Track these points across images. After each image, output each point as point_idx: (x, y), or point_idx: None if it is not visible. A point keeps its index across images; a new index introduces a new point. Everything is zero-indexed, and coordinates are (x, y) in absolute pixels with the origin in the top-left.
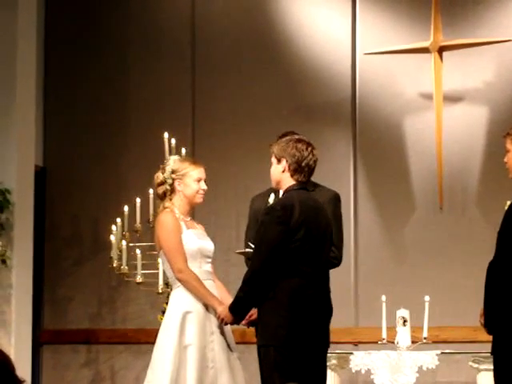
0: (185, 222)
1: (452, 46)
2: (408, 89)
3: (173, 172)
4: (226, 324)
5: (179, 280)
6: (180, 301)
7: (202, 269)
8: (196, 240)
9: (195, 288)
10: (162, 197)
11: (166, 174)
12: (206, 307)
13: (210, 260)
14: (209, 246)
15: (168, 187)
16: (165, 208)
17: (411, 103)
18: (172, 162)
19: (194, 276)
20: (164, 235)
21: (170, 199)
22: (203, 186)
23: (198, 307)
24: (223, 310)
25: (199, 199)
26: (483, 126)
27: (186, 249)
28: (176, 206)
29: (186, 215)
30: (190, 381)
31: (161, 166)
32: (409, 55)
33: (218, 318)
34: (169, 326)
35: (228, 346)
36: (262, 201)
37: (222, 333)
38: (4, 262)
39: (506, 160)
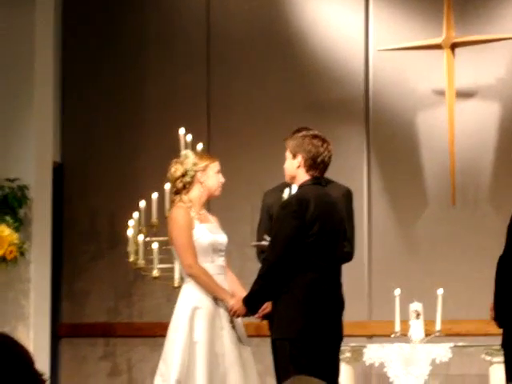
0: (198, 216)
1: (464, 42)
2: (421, 85)
3: (195, 164)
4: (238, 316)
5: (189, 275)
6: (189, 296)
7: (214, 263)
8: (208, 234)
9: (205, 282)
10: (180, 190)
11: (187, 166)
12: (216, 302)
13: (222, 253)
14: (221, 239)
15: (189, 179)
16: (181, 201)
17: (424, 99)
18: (191, 155)
19: (204, 271)
20: (175, 231)
21: (188, 191)
22: (222, 178)
23: (207, 303)
24: (236, 302)
25: (218, 191)
26: (495, 121)
27: (198, 243)
28: (193, 198)
29: (202, 207)
30: (200, 376)
31: (175, 160)
32: (421, 51)
33: (231, 310)
34: (178, 321)
35: (239, 340)
36: (274, 195)
37: (233, 327)
38: (22, 254)
39: None
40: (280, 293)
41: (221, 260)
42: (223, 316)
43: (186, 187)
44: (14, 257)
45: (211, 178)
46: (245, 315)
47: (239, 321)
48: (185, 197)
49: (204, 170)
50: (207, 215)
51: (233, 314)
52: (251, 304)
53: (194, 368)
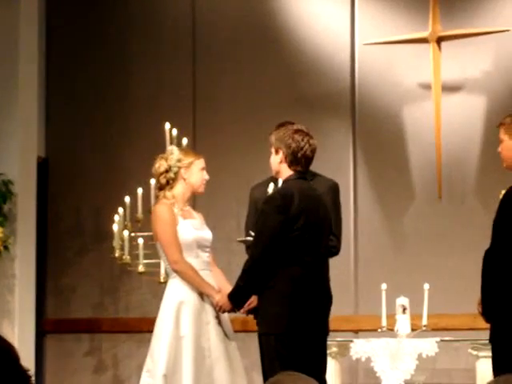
0: (182, 212)
1: (450, 36)
2: (407, 79)
3: (179, 161)
4: (224, 312)
5: (174, 271)
6: (175, 291)
7: (198, 259)
8: (192, 230)
9: (191, 278)
10: (164, 186)
11: (171, 162)
12: (201, 297)
13: (207, 249)
14: (206, 235)
15: (172, 175)
16: (164, 198)
17: (410, 93)
18: (176, 151)
19: (189, 266)
20: (159, 227)
21: (171, 187)
22: (206, 175)
23: (192, 297)
24: (221, 297)
25: (202, 188)
26: (482, 115)
27: (182, 240)
28: (177, 194)
29: (185, 203)
30: (187, 371)
31: (160, 156)
32: (407, 45)
33: (216, 305)
34: (164, 317)
35: (225, 335)
36: (261, 190)
37: (219, 322)
38: (6, 247)
39: (499, 150)
40: (265, 288)
41: (205, 256)
42: (209, 311)
43: (170, 183)
44: None
45: (195, 174)
46: (230, 310)
47: (225, 316)
48: (168, 193)
49: (188, 166)
50: (191, 211)
51: (219, 309)
52: (236, 299)
53: (180, 362)
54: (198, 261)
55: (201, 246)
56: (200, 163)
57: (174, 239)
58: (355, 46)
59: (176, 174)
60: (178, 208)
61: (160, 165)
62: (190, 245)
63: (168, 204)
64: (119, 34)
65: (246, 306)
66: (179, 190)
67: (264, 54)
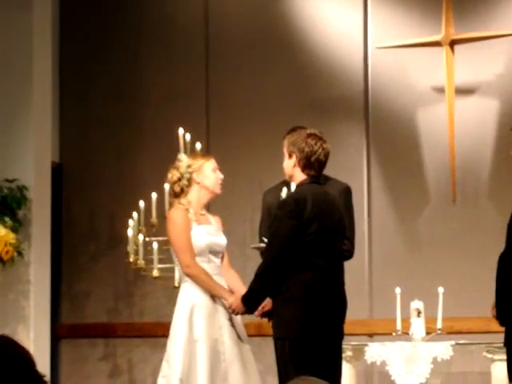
0: (197, 217)
1: (463, 39)
2: (420, 82)
3: (189, 166)
4: (237, 314)
5: (187, 275)
6: (188, 295)
7: (211, 264)
8: (205, 236)
9: (204, 282)
10: (179, 194)
11: (182, 170)
12: (214, 300)
13: (220, 255)
14: (220, 241)
15: (186, 182)
16: (179, 203)
17: (423, 96)
18: (184, 158)
19: (202, 270)
20: (173, 232)
21: (186, 194)
22: (220, 174)
23: (205, 301)
24: (235, 300)
25: (218, 188)
26: (495, 118)
27: (195, 245)
28: (192, 199)
29: (202, 208)
30: (201, 374)
31: (171, 166)
32: (420, 49)
33: (230, 308)
34: (178, 320)
35: (239, 337)
36: (274, 194)
37: (232, 325)
38: (20, 253)
39: (511, 153)
40: (278, 292)
41: (218, 261)
42: (222, 313)
43: (184, 190)
44: (10, 257)
45: (208, 176)
46: (244, 313)
47: (238, 319)
48: (183, 200)
49: (199, 169)
50: (208, 217)
51: (232, 312)
52: (249, 302)
53: (195, 366)
54: (211, 266)
55: (213, 251)
56: (210, 164)
57: (186, 244)
58: (368, 49)
59: (189, 180)
60: (193, 213)
61: (172, 174)
62: (203, 250)
63: (182, 209)
64: (132, 39)
65: (261, 310)
66: (194, 195)
67: (277, 57)
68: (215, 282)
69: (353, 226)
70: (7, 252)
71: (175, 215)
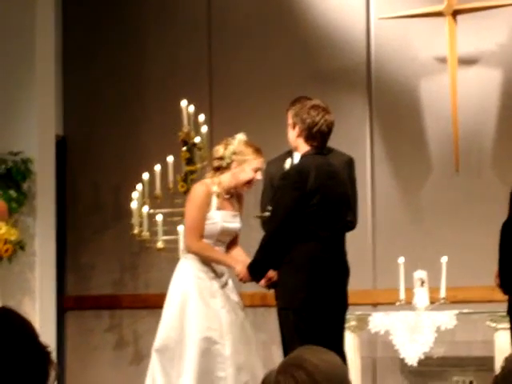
0: (221, 201)
1: (466, 9)
2: (423, 52)
3: (234, 153)
4: (245, 282)
5: (192, 253)
6: (187, 269)
7: (215, 247)
8: (219, 223)
9: (208, 257)
10: (215, 169)
11: (226, 152)
12: (211, 279)
13: (228, 239)
14: (233, 227)
15: (224, 164)
16: (211, 178)
17: (426, 67)
18: (237, 142)
19: (204, 246)
20: (190, 206)
21: (221, 173)
22: (259, 176)
23: (203, 278)
24: (242, 268)
25: (247, 188)
26: (498, 87)
27: (207, 228)
28: (223, 182)
29: (227, 193)
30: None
31: (225, 139)
32: (423, 19)
33: (237, 276)
34: (174, 293)
35: (237, 305)
36: (276, 165)
37: (231, 302)
38: (22, 247)
39: None
40: (283, 263)
41: (223, 246)
42: (218, 293)
43: (220, 169)
44: (10, 254)
45: (246, 173)
46: (251, 281)
47: (233, 289)
48: (216, 178)
49: (242, 162)
50: (229, 202)
51: (240, 280)
52: (254, 272)
53: (183, 340)
54: (216, 249)
55: (222, 235)
56: (255, 163)
57: (196, 223)
58: (370, 20)
59: (228, 164)
60: (218, 196)
61: (218, 149)
62: (213, 235)
63: (208, 186)
64: (135, 13)
65: (268, 280)
66: (226, 179)
67: (279, 29)
68: (220, 254)
69: (355, 197)
70: (6, 250)
71: (198, 190)
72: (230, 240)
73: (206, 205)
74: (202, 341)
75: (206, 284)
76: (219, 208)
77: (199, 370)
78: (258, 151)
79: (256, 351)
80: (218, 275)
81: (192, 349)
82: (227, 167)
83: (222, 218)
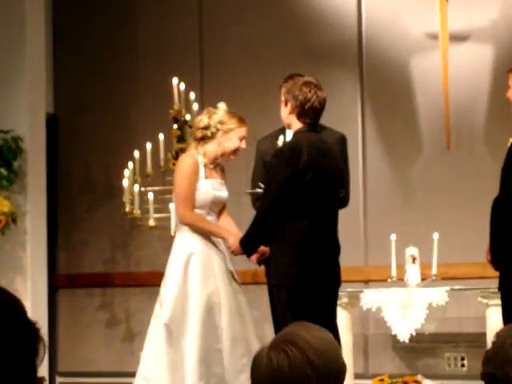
0: (207, 170)
1: None
2: (414, 29)
3: (220, 122)
4: (236, 255)
5: (184, 224)
6: (183, 244)
7: (208, 217)
8: (210, 191)
9: (201, 228)
10: (198, 139)
11: (212, 121)
12: (209, 248)
13: (219, 208)
14: (223, 195)
15: (209, 134)
16: (195, 149)
17: (417, 43)
18: (222, 111)
19: (197, 217)
20: (178, 177)
21: (205, 144)
22: (244, 145)
23: (200, 251)
24: (234, 241)
25: (233, 156)
26: (489, 64)
27: (199, 198)
28: (208, 152)
29: (212, 163)
30: (194, 324)
31: (207, 109)
32: None
33: (230, 248)
34: (173, 270)
35: (233, 278)
36: (268, 142)
37: (229, 275)
38: (14, 220)
39: (508, 95)
40: (274, 239)
41: (215, 215)
42: (217, 263)
43: (205, 139)
44: (3, 226)
45: (232, 141)
46: (242, 254)
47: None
48: (201, 148)
49: (227, 132)
50: (215, 171)
51: (232, 252)
52: (246, 246)
53: (186, 316)
54: (208, 218)
55: (214, 204)
56: (240, 132)
57: (187, 193)
58: None
59: (213, 134)
60: (204, 165)
61: (201, 119)
62: (204, 204)
63: (194, 156)
64: None
65: (260, 256)
66: (211, 148)
67: (270, 5)
68: (213, 225)
69: (348, 174)
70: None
71: (185, 161)
72: (219, 212)
73: (195, 175)
74: (204, 313)
75: (204, 255)
76: (207, 177)
77: (202, 344)
78: (242, 120)
79: (251, 324)
80: (215, 246)
81: (195, 322)
82: (212, 137)
83: (211, 187)
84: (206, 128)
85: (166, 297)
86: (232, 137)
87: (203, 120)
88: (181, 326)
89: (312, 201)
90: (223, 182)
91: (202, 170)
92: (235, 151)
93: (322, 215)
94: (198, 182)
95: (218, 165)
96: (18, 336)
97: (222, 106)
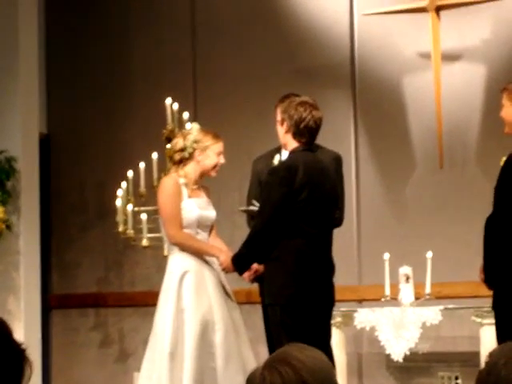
0: (190, 191)
1: (449, 4)
2: (406, 48)
3: (195, 142)
4: (227, 272)
5: (174, 244)
6: (176, 265)
7: (198, 236)
8: (196, 210)
9: (191, 247)
10: (177, 162)
11: (187, 142)
12: (203, 268)
13: (209, 228)
14: (210, 214)
15: (186, 155)
16: (175, 172)
17: (410, 63)
18: (195, 131)
19: (186, 236)
20: (162, 199)
21: (184, 165)
22: (222, 160)
23: (194, 270)
24: (226, 258)
25: (214, 173)
26: (481, 83)
27: (185, 218)
28: (188, 173)
29: (194, 184)
30: (189, 344)
31: (181, 132)
32: (406, 15)
33: (221, 265)
34: (166, 291)
35: (228, 295)
36: (264, 162)
37: (222, 294)
38: (8, 227)
39: (501, 114)
40: (269, 259)
41: (205, 235)
42: (211, 281)
43: (183, 161)
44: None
45: (210, 158)
46: (233, 272)
47: (224, 279)
48: (181, 171)
49: (203, 150)
50: (199, 191)
51: (222, 270)
52: (238, 264)
53: (182, 336)
54: (198, 238)
55: (202, 225)
56: (217, 148)
57: (173, 213)
58: (354, 16)
59: (191, 154)
60: (186, 186)
61: (177, 142)
62: (192, 223)
63: (175, 178)
64: (119, 10)
65: (252, 274)
66: (191, 169)
67: (263, 25)
68: (203, 243)
69: (343, 194)
70: None
71: (166, 183)
72: (209, 233)
73: (177, 195)
74: (199, 332)
75: (198, 274)
76: (190, 196)
77: (196, 365)
78: (216, 136)
79: (246, 341)
80: (208, 263)
81: (190, 342)
82: (190, 157)
83: (197, 205)
84: (183, 150)
85: (163, 324)
86: (209, 153)
87: (179, 142)
88: (178, 345)
89: (307, 220)
90: (210, 201)
91: (184, 190)
92: (214, 167)
93: (317, 234)
94: (181, 202)
95: (203, 187)
96: (3, 357)
97: (194, 125)
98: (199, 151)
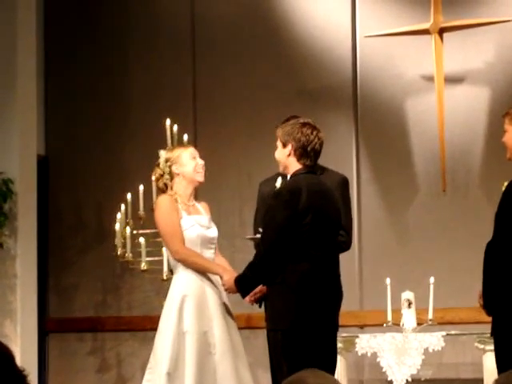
0: (187, 208)
1: (452, 27)
2: (409, 71)
3: (167, 161)
4: (230, 293)
5: (178, 260)
6: (179, 285)
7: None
8: (197, 228)
9: (195, 263)
10: (164, 190)
11: (161, 166)
12: (205, 290)
13: (212, 246)
14: (211, 233)
15: (167, 176)
16: (169, 195)
17: (412, 85)
18: (162, 153)
19: (191, 252)
20: (160, 218)
21: (172, 188)
22: (200, 161)
23: (196, 292)
24: (229, 279)
25: (199, 176)
26: (485, 106)
27: (186, 235)
28: (178, 190)
29: (189, 199)
30: (189, 367)
31: (155, 163)
32: (409, 37)
33: (223, 285)
34: (168, 312)
35: (229, 313)
36: (269, 185)
37: (224, 315)
38: (1, 245)
39: (504, 140)
40: (273, 283)
41: (210, 252)
42: (213, 304)
43: (169, 185)
44: None
45: (186, 165)
46: (236, 293)
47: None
48: (171, 192)
49: (177, 160)
50: (197, 207)
51: (225, 290)
52: (241, 287)
53: (183, 358)
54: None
55: (204, 243)
56: (188, 152)
57: (173, 229)
58: (356, 38)
59: (170, 173)
60: (181, 203)
61: (155, 172)
62: (194, 241)
63: (169, 196)
64: (119, 32)
65: (253, 295)
66: (178, 185)
67: (264, 47)
68: (207, 261)
69: (350, 217)
70: None
71: (162, 201)
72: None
73: (175, 210)
74: (199, 355)
75: (199, 297)
76: (190, 213)
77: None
78: (183, 145)
79: (245, 363)
80: (210, 281)
81: (190, 367)
82: (171, 177)
83: (197, 223)
84: (162, 175)
85: (163, 345)
86: (184, 161)
87: (157, 171)
88: (177, 369)
89: (311, 243)
90: (210, 218)
91: (181, 207)
92: (196, 170)
93: (322, 258)
94: (180, 219)
95: (202, 203)
96: (5, 382)
97: (161, 153)
98: (175, 166)
